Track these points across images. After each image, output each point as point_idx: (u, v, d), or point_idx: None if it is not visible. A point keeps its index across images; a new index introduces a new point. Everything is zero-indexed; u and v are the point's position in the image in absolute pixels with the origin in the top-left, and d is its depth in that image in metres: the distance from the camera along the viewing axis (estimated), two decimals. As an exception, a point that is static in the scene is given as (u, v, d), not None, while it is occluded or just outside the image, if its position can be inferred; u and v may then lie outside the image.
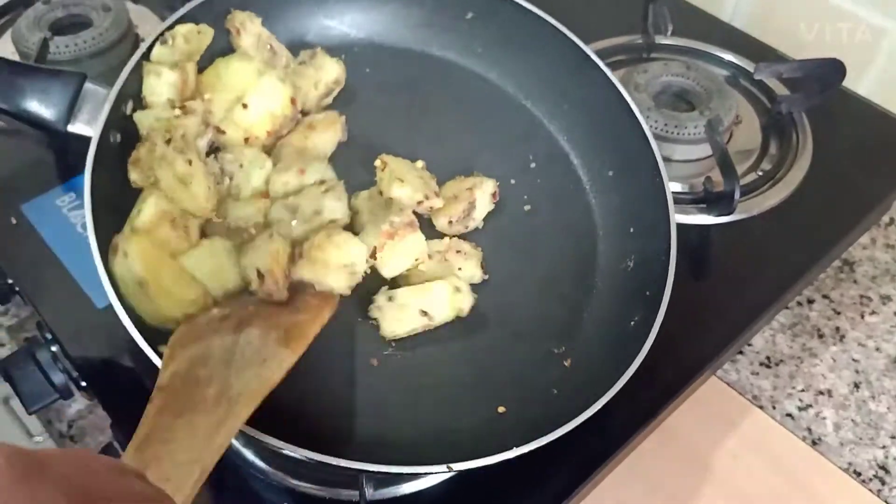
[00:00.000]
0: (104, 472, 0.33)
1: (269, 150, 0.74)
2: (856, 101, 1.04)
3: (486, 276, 0.74)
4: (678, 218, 0.87)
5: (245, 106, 0.72)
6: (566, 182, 0.81)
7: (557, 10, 0.82)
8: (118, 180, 0.66)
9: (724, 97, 0.93)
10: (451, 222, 0.75)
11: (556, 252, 0.78)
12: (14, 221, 0.83)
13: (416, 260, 0.70)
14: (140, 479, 0.35)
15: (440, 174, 0.77)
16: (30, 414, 0.75)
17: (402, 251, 0.69)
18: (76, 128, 0.67)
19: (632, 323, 0.69)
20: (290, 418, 0.60)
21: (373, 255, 0.68)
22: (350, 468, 0.55)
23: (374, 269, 0.69)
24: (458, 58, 0.86)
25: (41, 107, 0.66)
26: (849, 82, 0.97)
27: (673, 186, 0.90)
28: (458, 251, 0.73)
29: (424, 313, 0.68)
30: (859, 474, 0.79)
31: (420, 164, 0.77)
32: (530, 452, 0.61)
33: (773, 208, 0.90)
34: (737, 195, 0.82)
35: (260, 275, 0.62)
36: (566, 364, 0.71)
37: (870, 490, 0.78)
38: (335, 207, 0.69)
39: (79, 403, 0.84)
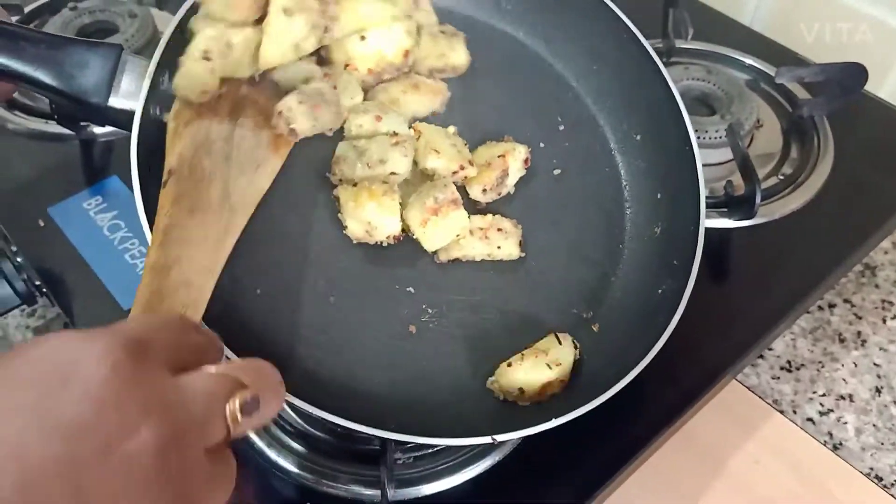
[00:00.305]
0: (176, 331, 0.39)
1: (366, 88, 0.75)
2: (877, 104, 1.04)
3: (524, 254, 0.73)
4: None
5: (363, 38, 0.72)
6: (594, 145, 0.81)
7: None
8: (160, 154, 0.63)
9: (744, 101, 0.93)
10: (484, 190, 0.75)
11: (584, 216, 0.78)
12: (41, 224, 0.85)
13: (458, 235, 0.71)
14: (196, 330, 0.41)
15: (470, 137, 0.77)
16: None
17: (445, 227, 0.70)
18: (117, 101, 0.64)
19: (660, 291, 0.70)
20: (329, 389, 0.62)
21: (396, 239, 0.70)
22: (402, 441, 0.57)
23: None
24: (485, 15, 0.85)
25: (81, 80, 0.63)
26: (870, 86, 0.96)
27: (693, 190, 0.91)
28: (499, 229, 0.73)
29: (549, 366, 0.68)
30: (881, 479, 0.79)
31: (452, 129, 0.76)
32: (549, 453, 0.62)
33: (794, 212, 0.90)
34: (758, 199, 0.82)
35: (282, 118, 0.63)
36: (595, 329, 0.71)
37: (891, 495, 0.78)
38: (399, 162, 0.70)
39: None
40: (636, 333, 0.68)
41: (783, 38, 1.11)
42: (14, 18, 1.06)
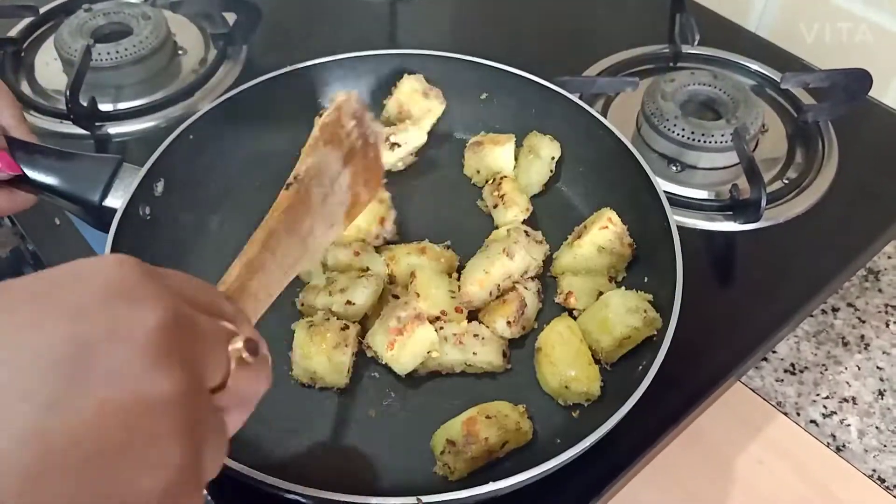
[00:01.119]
0: (203, 288, 0.40)
1: None
2: (882, 110, 1.05)
3: (510, 367, 0.74)
4: (704, 225, 0.88)
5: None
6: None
7: (584, 20, 0.84)
8: (141, 248, 0.72)
9: (750, 106, 0.94)
10: (509, 323, 0.74)
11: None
12: (57, 222, 0.86)
13: (429, 353, 0.70)
14: (228, 301, 0.42)
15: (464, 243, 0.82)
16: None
17: (412, 345, 0.69)
18: (109, 202, 0.74)
19: (640, 368, 0.68)
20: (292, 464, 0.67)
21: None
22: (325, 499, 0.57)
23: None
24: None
25: (81, 188, 0.74)
26: (875, 92, 0.97)
27: (699, 194, 0.92)
28: (475, 335, 0.72)
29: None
30: (883, 481, 0.80)
31: (466, 284, 0.75)
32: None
33: (798, 216, 0.91)
34: (763, 202, 0.83)
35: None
36: (574, 415, 0.71)
37: (894, 497, 0.78)
38: (359, 293, 0.74)
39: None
40: (611, 410, 0.65)
41: (788, 45, 1.12)
42: (29, 20, 1.08)
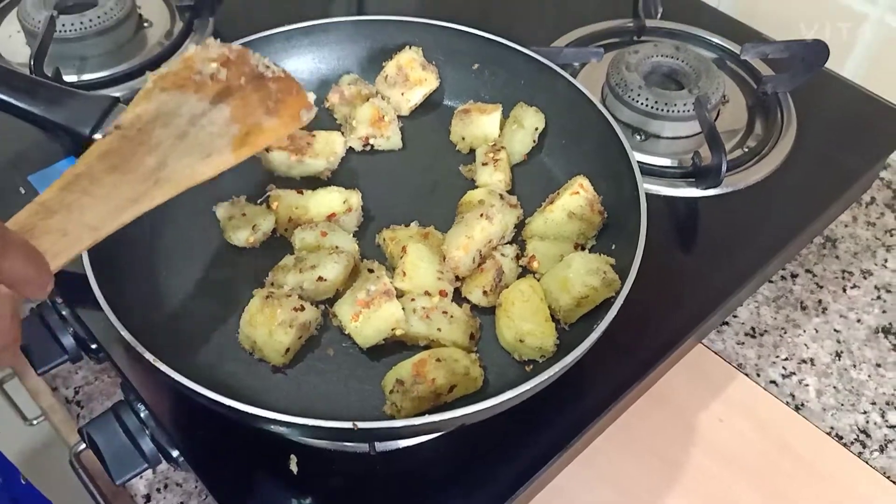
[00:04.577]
0: None
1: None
2: (839, 82, 1.07)
3: (476, 350, 0.73)
4: (667, 191, 0.90)
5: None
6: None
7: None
8: None
9: (712, 77, 0.96)
10: (485, 293, 0.74)
11: None
12: (23, 191, 0.86)
13: (393, 330, 0.70)
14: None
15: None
16: (39, 375, 0.77)
17: (377, 320, 0.69)
18: (98, 136, 0.75)
19: (595, 326, 0.67)
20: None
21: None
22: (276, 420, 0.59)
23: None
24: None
25: (73, 122, 0.76)
26: (832, 64, 0.99)
27: (662, 161, 0.94)
28: (444, 312, 0.72)
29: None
30: (841, 438, 0.82)
31: (450, 251, 0.75)
32: (525, 411, 0.64)
33: (757, 183, 0.93)
34: (724, 168, 0.84)
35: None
36: (528, 370, 0.72)
37: (851, 452, 0.81)
38: (330, 268, 0.73)
39: (85, 370, 0.86)
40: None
41: (748, 19, 1.14)
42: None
